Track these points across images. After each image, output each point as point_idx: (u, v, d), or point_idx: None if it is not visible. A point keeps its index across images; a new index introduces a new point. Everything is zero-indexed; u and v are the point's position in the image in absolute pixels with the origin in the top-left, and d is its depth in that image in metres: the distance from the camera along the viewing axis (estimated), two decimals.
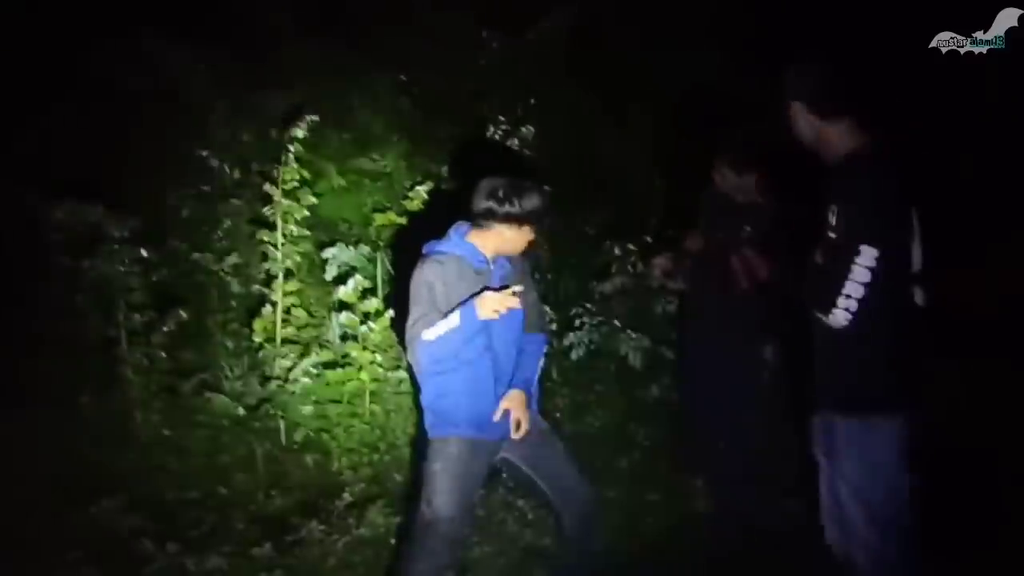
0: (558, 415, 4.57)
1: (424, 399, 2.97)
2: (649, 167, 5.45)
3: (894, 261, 2.39)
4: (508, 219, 2.80)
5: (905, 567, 2.52)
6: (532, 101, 5.51)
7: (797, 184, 3.53)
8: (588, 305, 4.77)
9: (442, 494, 2.84)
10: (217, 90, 5.50)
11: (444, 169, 5.21)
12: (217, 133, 5.39)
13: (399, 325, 4.25)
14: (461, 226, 2.93)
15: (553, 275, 4.98)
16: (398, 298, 4.49)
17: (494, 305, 2.72)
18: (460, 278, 2.82)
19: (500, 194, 2.79)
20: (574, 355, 4.68)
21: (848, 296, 2.35)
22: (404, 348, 2.95)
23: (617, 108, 5.54)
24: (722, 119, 4.33)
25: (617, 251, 4.76)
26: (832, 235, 2.45)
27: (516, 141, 5.18)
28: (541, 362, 3.09)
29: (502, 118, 5.08)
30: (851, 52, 2.83)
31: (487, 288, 2.81)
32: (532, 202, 2.81)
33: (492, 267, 2.89)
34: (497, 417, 2.90)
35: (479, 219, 2.84)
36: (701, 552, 3.66)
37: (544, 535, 3.75)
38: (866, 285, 2.34)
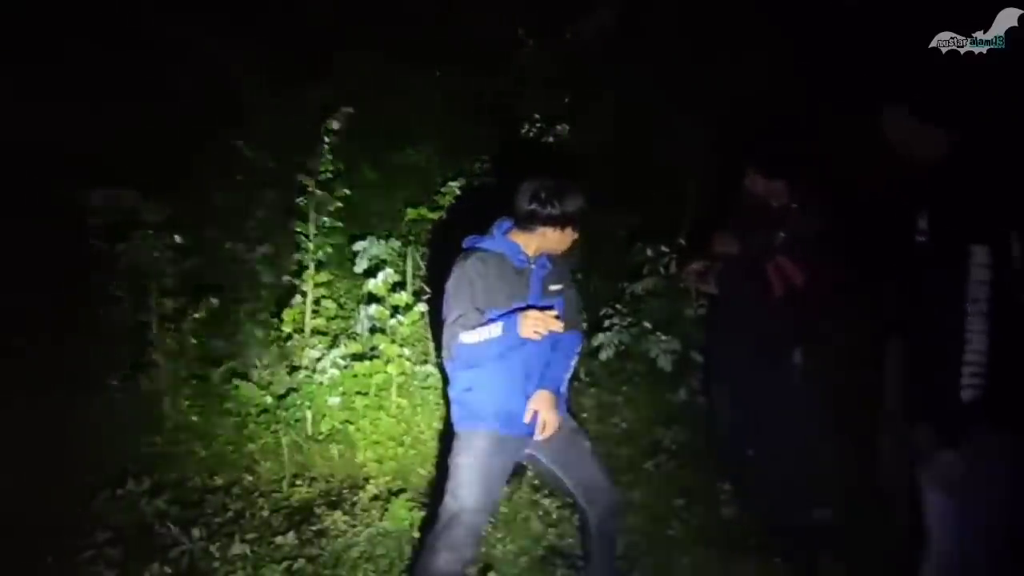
0: (585, 415, 4.55)
1: (453, 392, 2.97)
2: (684, 169, 5.40)
3: (1001, 260, 2.31)
4: (551, 221, 2.81)
5: None
6: (566, 100, 5.49)
7: (827, 192, 3.51)
8: (618, 306, 4.74)
9: (467, 487, 2.86)
10: (256, 82, 5.57)
11: (477, 166, 5.20)
12: (255, 124, 5.46)
13: (434, 319, 4.30)
14: (504, 223, 2.92)
15: (584, 275, 4.94)
16: (430, 291, 4.52)
17: (537, 326, 2.71)
18: (500, 276, 2.83)
19: (543, 196, 2.79)
20: (603, 355, 4.64)
21: (975, 300, 2.28)
22: (434, 341, 2.95)
23: (652, 109, 5.50)
24: (759, 124, 4.28)
25: (649, 252, 4.72)
26: (921, 239, 2.41)
27: (551, 139, 5.15)
28: (574, 361, 3.08)
29: (537, 116, 5.05)
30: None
31: (528, 284, 2.83)
32: (575, 204, 2.81)
33: (533, 266, 2.89)
34: (527, 419, 2.90)
35: (522, 221, 2.84)
36: (726, 556, 3.62)
37: (568, 535, 3.73)
38: (988, 284, 2.27)
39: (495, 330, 2.75)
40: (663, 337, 4.57)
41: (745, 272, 3.47)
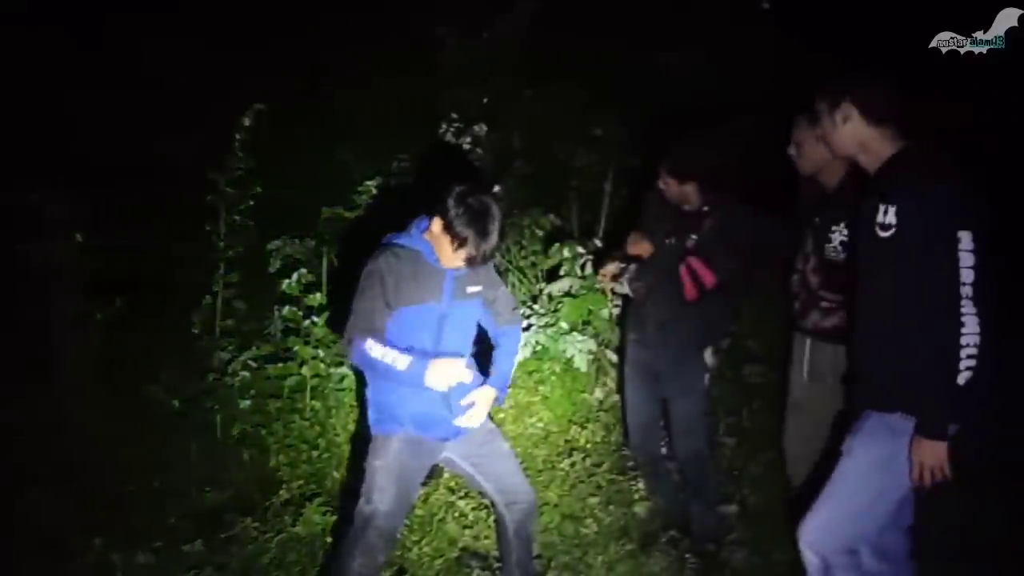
0: (502, 415, 4.56)
1: (370, 394, 2.98)
2: (602, 170, 5.46)
3: (981, 246, 2.39)
4: (456, 238, 2.74)
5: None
6: (485, 100, 5.49)
7: (740, 192, 3.58)
8: (535, 307, 4.76)
9: (382, 490, 2.87)
10: (176, 76, 5.44)
11: (395, 165, 5.16)
12: (168, 120, 5.33)
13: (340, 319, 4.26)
14: (423, 221, 2.90)
15: (501, 276, 4.95)
16: (345, 291, 4.46)
17: (446, 379, 2.77)
18: (415, 274, 2.83)
19: (462, 209, 2.72)
20: (520, 356, 4.65)
21: (965, 283, 2.36)
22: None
23: (571, 110, 5.54)
24: (680, 124, 4.35)
25: (566, 253, 4.75)
26: (885, 234, 2.48)
27: (469, 139, 5.15)
28: (517, 357, 3.14)
29: (455, 116, 5.04)
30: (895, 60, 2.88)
31: (442, 284, 2.86)
32: (491, 242, 2.75)
33: (447, 269, 2.87)
34: (464, 403, 2.91)
35: (436, 218, 2.79)
36: (638, 553, 3.68)
37: (483, 536, 3.74)
38: (975, 269, 2.36)
39: (400, 362, 2.76)
40: (580, 337, 4.61)
41: (658, 274, 3.52)
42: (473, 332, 3.06)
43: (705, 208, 3.52)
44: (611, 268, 3.62)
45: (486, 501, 3.92)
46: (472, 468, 3.07)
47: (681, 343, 3.57)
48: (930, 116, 2.76)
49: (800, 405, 3.53)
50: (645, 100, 5.63)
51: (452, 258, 2.80)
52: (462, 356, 2.93)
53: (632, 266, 3.58)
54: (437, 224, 2.78)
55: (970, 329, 2.35)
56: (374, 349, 2.78)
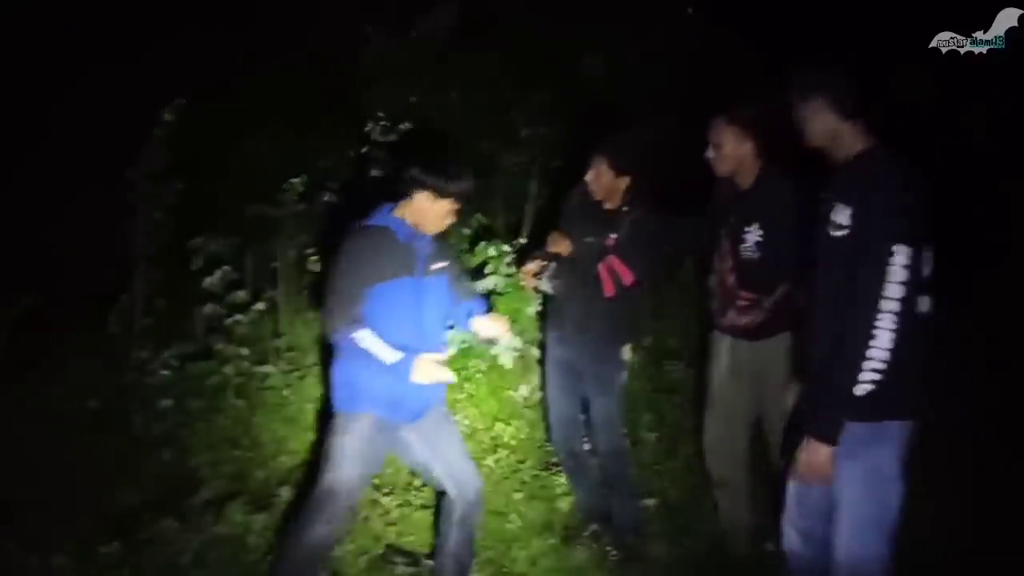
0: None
1: (340, 373, 3.06)
2: (527, 170, 5.52)
3: (916, 263, 2.37)
4: (432, 188, 2.94)
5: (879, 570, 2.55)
6: (412, 99, 5.50)
7: (658, 193, 3.66)
8: None
9: (346, 467, 2.98)
10: (90, 67, 5.29)
11: (321, 163, 5.13)
12: (86, 113, 5.19)
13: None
14: (386, 206, 3.05)
15: None
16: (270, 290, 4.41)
17: (431, 375, 2.92)
18: (390, 252, 2.96)
19: (431, 165, 2.96)
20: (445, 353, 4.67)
21: (890, 299, 2.33)
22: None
23: (497, 110, 5.58)
24: (605, 124, 4.42)
25: (492, 252, 4.78)
26: (837, 233, 2.47)
27: (395, 137, 5.13)
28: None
29: (381, 114, 5.03)
30: (858, 53, 2.87)
31: (414, 260, 2.99)
32: (460, 179, 2.98)
33: (417, 244, 3.01)
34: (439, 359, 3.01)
35: (405, 187, 2.97)
36: (561, 547, 3.74)
37: (407, 533, 3.76)
38: (905, 284, 2.33)
39: (388, 356, 2.88)
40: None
41: (577, 271, 3.58)
42: (446, 308, 3.21)
43: (625, 207, 3.59)
44: (532, 266, 3.67)
45: (411, 498, 3.95)
46: (429, 451, 3.17)
47: (600, 340, 3.64)
48: (896, 115, 2.76)
49: (718, 401, 3.64)
50: (569, 101, 5.71)
51: (442, 217, 3.00)
52: (438, 339, 3.13)
53: (552, 264, 3.63)
54: (422, 197, 2.95)
55: (880, 344, 2.34)
56: (365, 340, 2.88)
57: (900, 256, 2.34)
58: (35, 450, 3.90)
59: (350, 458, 2.98)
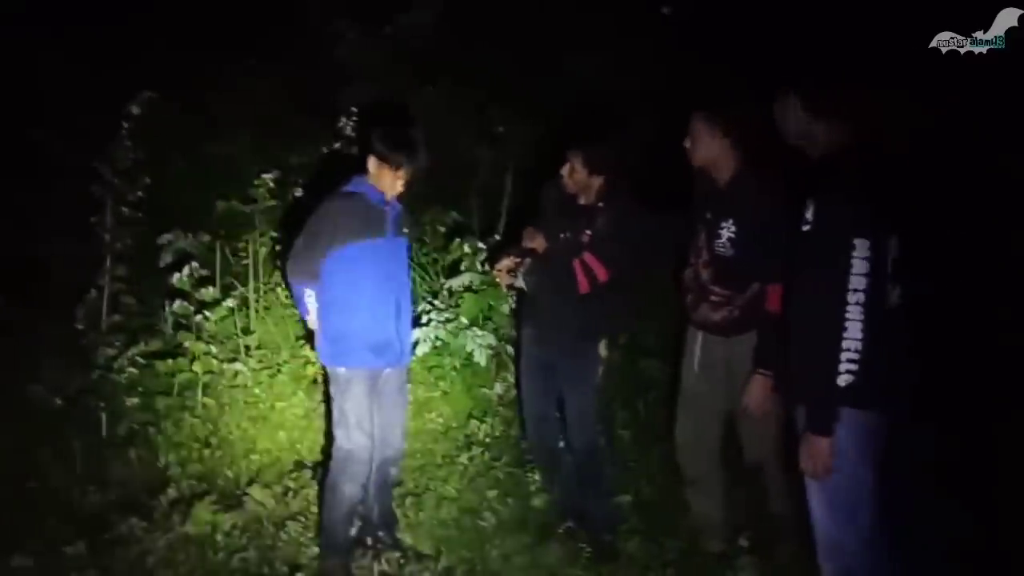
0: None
1: (330, 327, 3.33)
2: (503, 167, 5.49)
3: (880, 254, 2.43)
4: (392, 162, 3.23)
5: (862, 559, 2.58)
6: (390, 97, 5.45)
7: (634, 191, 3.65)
8: (436, 302, 4.75)
9: (355, 430, 3.31)
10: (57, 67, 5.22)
11: (293, 159, 5.08)
12: (51, 109, 5.12)
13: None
14: (357, 177, 3.33)
15: None
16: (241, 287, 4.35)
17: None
18: (360, 213, 3.25)
19: (386, 137, 3.26)
20: (420, 351, 4.63)
21: (855, 290, 2.38)
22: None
23: (472, 108, 5.55)
24: (583, 124, 4.40)
25: (467, 248, 4.76)
26: (805, 228, 2.51)
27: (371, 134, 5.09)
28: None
29: (355, 109, 4.99)
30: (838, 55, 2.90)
31: (385, 222, 3.31)
32: (417, 155, 3.28)
33: (388, 207, 3.31)
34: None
35: (370, 157, 3.26)
36: (534, 544, 3.71)
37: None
38: (867, 276, 2.38)
39: (311, 320, 3.40)
40: (480, 332, 4.63)
41: (552, 268, 3.56)
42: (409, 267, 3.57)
43: (600, 204, 3.57)
44: (506, 262, 3.64)
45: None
46: (379, 399, 3.40)
47: (574, 336, 3.61)
48: (878, 115, 2.79)
49: (691, 397, 3.62)
50: (545, 100, 5.69)
51: (395, 184, 3.28)
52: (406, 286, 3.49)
53: (527, 260, 3.60)
54: (372, 162, 3.25)
55: (852, 335, 2.39)
56: (310, 299, 3.35)
57: (860, 249, 2.40)
58: (3, 450, 3.85)
59: (356, 420, 3.30)
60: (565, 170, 3.57)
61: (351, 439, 3.32)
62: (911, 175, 2.65)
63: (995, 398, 3.73)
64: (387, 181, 3.28)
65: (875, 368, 2.43)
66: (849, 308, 2.39)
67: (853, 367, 2.41)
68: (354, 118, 4.92)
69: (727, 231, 3.35)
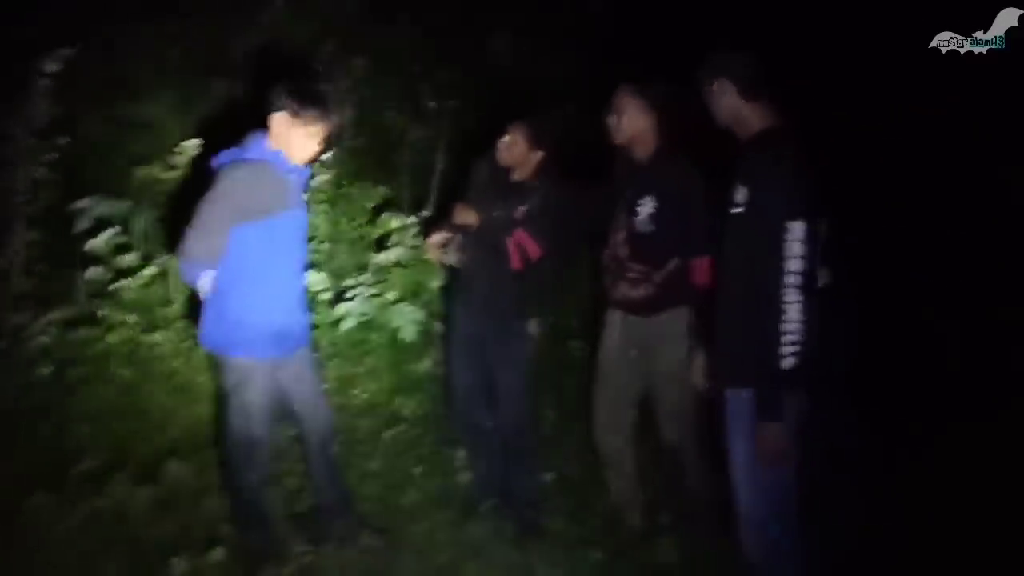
0: (326, 387, 4.46)
1: (230, 311, 3.02)
2: (433, 143, 5.45)
3: (814, 237, 2.46)
4: (305, 121, 2.95)
5: (784, 535, 2.63)
6: (316, 66, 5.34)
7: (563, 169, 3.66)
8: (362, 277, 4.68)
9: (257, 420, 3.10)
10: None
11: (218, 125, 4.92)
12: None
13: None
14: (257, 134, 3.01)
15: (330, 245, 4.84)
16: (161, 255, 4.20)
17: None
18: (266, 186, 2.94)
19: (297, 91, 2.97)
20: (345, 326, 4.57)
21: (793, 272, 2.41)
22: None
23: (403, 81, 5.49)
24: (510, 100, 4.39)
25: (395, 223, 4.71)
26: (735, 211, 2.55)
27: None
28: None
29: (282, 80, 4.85)
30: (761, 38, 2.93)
31: (292, 191, 3.03)
32: (331, 114, 3.03)
33: (293, 175, 3.04)
34: None
35: (267, 110, 2.96)
36: (459, 521, 3.71)
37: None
38: (804, 258, 2.41)
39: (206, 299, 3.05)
40: (407, 308, 4.59)
41: (484, 244, 3.54)
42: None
43: (534, 179, 3.57)
44: (437, 238, 3.62)
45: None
46: (294, 385, 3.23)
47: (506, 313, 3.61)
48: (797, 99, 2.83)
49: (607, 375, 3.66)
50: (476, 77, 5.66)
51: (306, 147, 3.00)
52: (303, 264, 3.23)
53: (459, 236, 3.59)
54: (281, 120, 2.95)
55: (792, 317, 2.42)
56: (206, 282, 3.01)
57: (797, 231, 2.43)
58: None
59: (259, 410, 3.10)
60: (503, 143, 3.55)
61: (256, 430, 3.12)
62: (835, 159, 2.72)
63: (916, 384, 3.92)
64: (297, 142, 2.98)
65: (807, 349, 2.47)
66: (787, 290, 2.42)
67: (795, 348, 2.44)
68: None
69: (647, 207, 3.40)
